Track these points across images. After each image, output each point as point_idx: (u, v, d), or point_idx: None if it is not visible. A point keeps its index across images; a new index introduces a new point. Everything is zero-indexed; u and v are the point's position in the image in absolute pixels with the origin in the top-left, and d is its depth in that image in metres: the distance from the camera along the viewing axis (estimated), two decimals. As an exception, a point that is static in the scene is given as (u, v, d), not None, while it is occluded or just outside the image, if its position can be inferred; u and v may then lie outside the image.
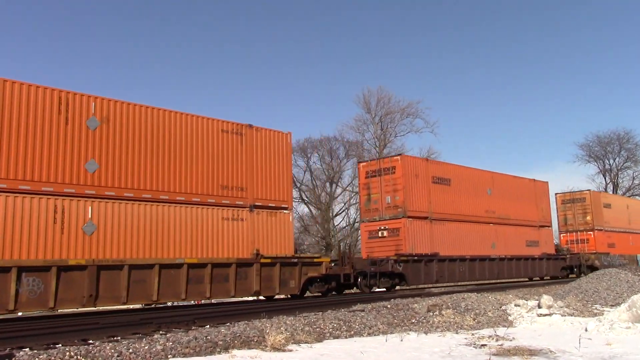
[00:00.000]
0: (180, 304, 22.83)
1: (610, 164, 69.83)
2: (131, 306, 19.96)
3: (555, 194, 39.46)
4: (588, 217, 38.08)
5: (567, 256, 34.95)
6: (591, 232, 37.85)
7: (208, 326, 10.83)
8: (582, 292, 16.81)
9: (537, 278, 34.42)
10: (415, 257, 23.72)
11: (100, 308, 17.92)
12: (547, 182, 35.20)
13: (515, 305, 13.50)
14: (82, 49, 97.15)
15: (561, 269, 34.24)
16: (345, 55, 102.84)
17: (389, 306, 13.36)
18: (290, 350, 8.41)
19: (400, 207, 24.17)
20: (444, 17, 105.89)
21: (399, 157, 25.23)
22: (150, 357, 7.74)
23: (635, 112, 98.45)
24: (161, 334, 9.55)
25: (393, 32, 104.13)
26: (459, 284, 28.97)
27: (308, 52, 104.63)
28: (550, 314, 12.22)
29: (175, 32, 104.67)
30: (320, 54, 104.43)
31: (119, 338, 9.47)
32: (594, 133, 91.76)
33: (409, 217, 24.03)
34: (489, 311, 12.78)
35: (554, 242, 36.49)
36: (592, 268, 34.72)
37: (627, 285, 17.82)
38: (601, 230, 38.53)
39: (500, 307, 13.33)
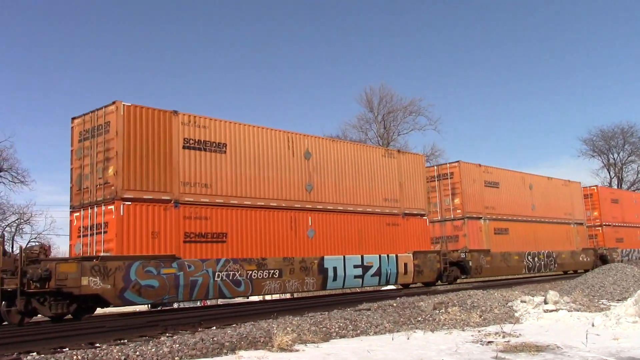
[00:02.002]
0: (187, 305, 22.88)
1: (614, 158, 69.66)
2: (137, 308, 20.04)
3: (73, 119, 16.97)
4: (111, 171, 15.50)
5: None
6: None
7: (214, 327, 10.83)
8: (589, 287, 16.77)
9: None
10: None
11: (107, 310, 17.99)
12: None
13: (522, 301, 13.48)
14: (80, 48, 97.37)
15: None
16: (347, 54, 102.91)
17: (395, 305, 13.36)
18: (297, 351, 8.41)
19: None
20: (446, 14, 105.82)
21: None
22: (157, 359, 7.75)
23: (639, 105, 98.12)
24: (168, 336, 9.56)
25: (395, 29, 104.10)
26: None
27: (310, 51, 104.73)
28: (556, 310, 12.19)
29: (176, 32, 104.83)
30: (322, 54, 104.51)
31: (126, 341, 9.47)
32: (597, 127, 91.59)
33: None
34: (495, 308, 12.76)
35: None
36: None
37: (633, 279, 17.78)
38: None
39: (507, 304, 13.32)
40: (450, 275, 25.33)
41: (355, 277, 20.80)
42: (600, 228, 37.18)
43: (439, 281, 25.18)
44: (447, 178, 27.20)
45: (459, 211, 26.80)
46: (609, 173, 69.74)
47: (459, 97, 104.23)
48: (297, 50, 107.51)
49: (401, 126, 55.57)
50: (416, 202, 24.21)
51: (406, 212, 23.50)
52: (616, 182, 67.81)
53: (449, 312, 12.13)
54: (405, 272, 22.74)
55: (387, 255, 22.07)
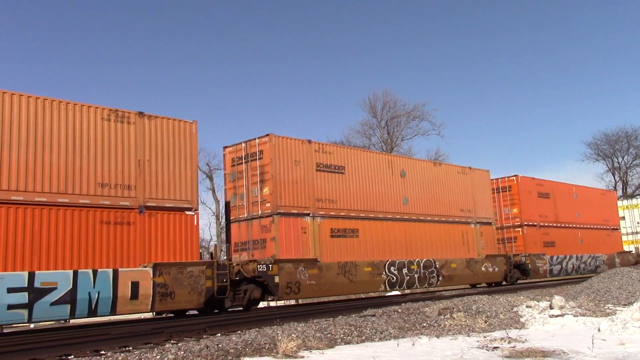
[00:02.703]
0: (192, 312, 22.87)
1: (619, 162, 69.47)
2: (142, 315, 20.05)
3: None
4: None
5: None
6: None
7: (219, 334, 10.84)
8: (594, 291, 16.69)
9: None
10: None
11: (113, 318, 18.03)
12: None
13: (527, 306, 13.44)
14: (76, 48, 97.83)
15: None
16: (350, 60, 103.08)
17: (400, 310, 13.35)
18: (302, 357, 8.41)
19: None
20: (449, 19, 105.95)
21: None
22: (162, 366, 7.75)
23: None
24: (172, 344, 9.57)
25: (398, 35, 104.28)
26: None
27: (314, 57, 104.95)
28: (562, 315, 12.15)
29: (178, 35, 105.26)
30: (326, 59, 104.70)
31: (131, 348, 9.49)
32: (601, 131, 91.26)
33: None
34: (501, 313, 12.72)
35: None
36: None
37: (639, 284, 17.69)
38: None
39: (512, 309, 13.27)
40: (243, 298, 17.51)
41: (12, 307, 12.83)
42: (520, 229, 29.87)
43: (222, 307, 17.26)
44: (256, 159, 19.36)
45: (268, 205, 18.79)
46: (614, 177, 69.61)
47: (463, 102, 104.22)
48: (301, 57, 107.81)
49: (405, 131, 55.55)
50: (174, 190, 16.47)
51: (149, 204, 15.83)
52: (621, 186, 67.64)
53: (454, 318, 12.10)
54: (136, 297, 14.75)
55: (94, 271, 14.19)
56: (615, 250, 37.15)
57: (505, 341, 9.56)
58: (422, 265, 23.24)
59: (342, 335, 10.24)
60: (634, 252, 40.28)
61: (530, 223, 30.11)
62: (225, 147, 20.72)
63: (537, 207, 30.89)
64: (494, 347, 8.95)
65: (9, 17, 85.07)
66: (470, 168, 27.71)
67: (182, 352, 8.28)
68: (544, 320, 11.85)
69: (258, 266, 17.73)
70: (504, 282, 28.42)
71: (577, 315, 12.26)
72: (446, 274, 24.38)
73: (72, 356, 8.88)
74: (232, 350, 8.53)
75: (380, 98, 55.83)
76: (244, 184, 19.58)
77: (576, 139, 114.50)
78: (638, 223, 43.25)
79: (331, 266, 19.71)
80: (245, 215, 19.42)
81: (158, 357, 8.06)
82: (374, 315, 12.53)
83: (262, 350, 8.75)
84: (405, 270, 22.43)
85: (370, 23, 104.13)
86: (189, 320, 16.04)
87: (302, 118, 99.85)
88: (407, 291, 25.11)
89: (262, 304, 20.52)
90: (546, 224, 31.18)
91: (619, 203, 42.45)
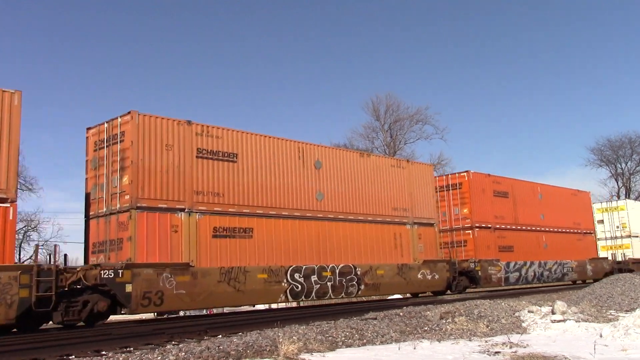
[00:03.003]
0: (193, 313, 22.89)
1: (622, 168, 69.31)
2: (144, 316, 20.08)
3: None
4: None
5: None
6: None
7: (220, 336, 10.84)
8: (596, 297, 16.66)
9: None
10: None
11: (113, 318, 18.05)
12: None
13: (529, 311, 13.41)
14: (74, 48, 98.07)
15: None
16: (354, 63, 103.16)
17: (401, 314, 13.31)
18: (303, 360, 8.41)
19: None
20: (453, 24, 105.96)
21: None
22: (163, 367, 7.73)
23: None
24: (173, 345, 9.56)
25: (401, 38, 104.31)
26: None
27: (316, 59, 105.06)
28: (564, 320, 12.11)
29: (178, 36, 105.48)
30: (328, 62, 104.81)
31: (132, 349, 9.48)
32: (605, 137, 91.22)
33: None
34: (502, 318, 12.69)
35: None
36: None
37: (642, 290, 17.65)
38: None
39: (514, 314, 13.24)
40: (80, 311, 14.11)
41: None
42: (470, 232, 26.28)
43: (51, 322, 14.22)
44: (117, 142, 16.13)
45: (127, 197, 15.54)
46: (617, 183, 69.46)
47: (466, 107, 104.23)
48: (303, 59, 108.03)
49: (408, 135, 55.47)
50: None
51: None
52: (624, 192, 67.47)
53: (455, 322, 12.07)
54: None
55: None
56: (587, 257, 33.92)
57: (506, 346, 9.53)
58: (337, 271, 19.85)
59: (343, 338, 10.22)
60: (610, 258, 36.26)
61: (483, 225, 26.77)
62: (88, 129, 17.35)
63: (492, 207, 27.50)
64: (496, 352, 8.92)
65: (9, 17, 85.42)
66: (407, 161, 24.73)
67: (183, 354, 8.27)
68: (546, 326, 11.81)
69: (102, 272, 14.39)
70: (448, 292, 24.90)
71: (579, 321, 12.22)
72: (370, 282, 20.89)
73: (73, 356, 8.88)
74: (232, 352, 8.51)
75: (383, 101, 55.82)
76: (105, 172, 16.33)
77: (579, 144, 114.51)
78: (617, 227, 38.24)
79: (210, 272, 16.40)
80: (104, 210, 16.14)
81: (159, 358, 8.05)
82: (376, 319, 12.50)
83: (263, 352, 8.74)
84: (314, 278, 19.05)
85: (374, 26, 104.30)
86: (191, 321, 16.06)
87: (304, 120, 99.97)
88: (315, 303, 22.00)
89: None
90: (503, 226, 27.87)
91: (598, 205, 39.00)
